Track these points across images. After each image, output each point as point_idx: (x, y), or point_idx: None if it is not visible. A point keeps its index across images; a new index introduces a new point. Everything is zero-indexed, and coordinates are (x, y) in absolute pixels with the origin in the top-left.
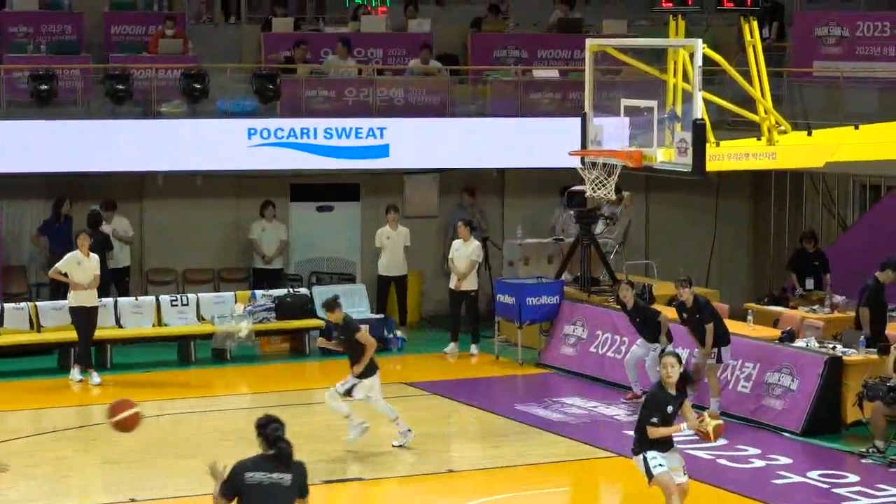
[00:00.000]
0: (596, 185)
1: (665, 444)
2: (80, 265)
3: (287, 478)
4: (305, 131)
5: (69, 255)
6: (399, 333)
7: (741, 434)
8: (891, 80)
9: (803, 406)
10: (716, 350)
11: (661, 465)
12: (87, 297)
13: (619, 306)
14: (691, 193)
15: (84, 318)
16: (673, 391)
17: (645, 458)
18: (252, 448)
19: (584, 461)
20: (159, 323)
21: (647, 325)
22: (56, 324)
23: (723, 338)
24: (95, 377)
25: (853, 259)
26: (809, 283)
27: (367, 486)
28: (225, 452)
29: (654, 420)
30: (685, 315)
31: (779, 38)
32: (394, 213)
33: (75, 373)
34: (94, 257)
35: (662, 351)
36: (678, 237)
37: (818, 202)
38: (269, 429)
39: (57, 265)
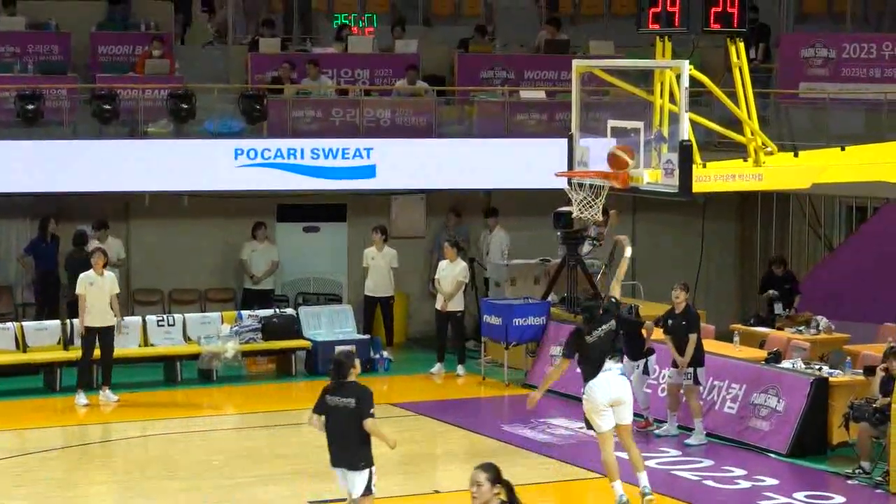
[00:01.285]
0: (583, 206)
1: None
2: (93, 285)
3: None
4: (292, 152)
5: (81, 276)
6: (386, 354)
7: (727, 455)
8: (877, 101)
9: (789, 427)
10: (691, 370)
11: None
12: (100, 318)
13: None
14: (678, 214)
15: (94, 339)
16: None
17: None
18: (236, 469)
19: (570, 482)
20: (145, 343)
21: (631, 339)
22: (42, 344)
23: (701, 358)
24: (110, 395)
25: (839, 280)
26: (778, 307)
27: None
28: (211, 472)
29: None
30: (671, 321)
31: (765, 60)
32: (379, 233)
33: (80, 397)
34: (109, 275)
35: (645, 367)
36: (665, 258)
37: (804, 223)
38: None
39: (76, 292)
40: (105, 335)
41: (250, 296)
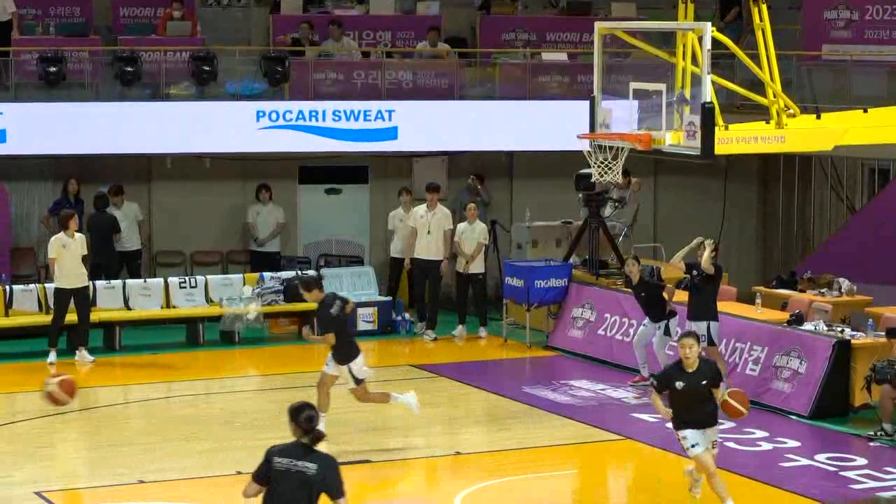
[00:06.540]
0: (602, 168)
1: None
2: (66, 247)
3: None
4: (314, 114)
5: (53, 238)
6: (408, 316)
7: (749, 417)
8: None
9: (811, 389)
10: (705, 332)
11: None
12: (73, 279)
13: (627, 288)
14: (700, 177)
15: (67, 301)
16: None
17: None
18: (259, 431)
19: (591, 444)
20: (168, 305)
21: (653, 302)
22: None
23: (714, 314)
24: (86, 355)
25: (862, 242)
26: None
27: (374, 468)
28: (233, 434)
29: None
30: (695, 271)
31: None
32: (407, 195)
33: (52, 355)
34: (80, 237)
35: (667, 328)
36: (686, 221)
37: (826, 186)
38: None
39: (49, 255)
40: (80, 296)
41: (258, 258)
